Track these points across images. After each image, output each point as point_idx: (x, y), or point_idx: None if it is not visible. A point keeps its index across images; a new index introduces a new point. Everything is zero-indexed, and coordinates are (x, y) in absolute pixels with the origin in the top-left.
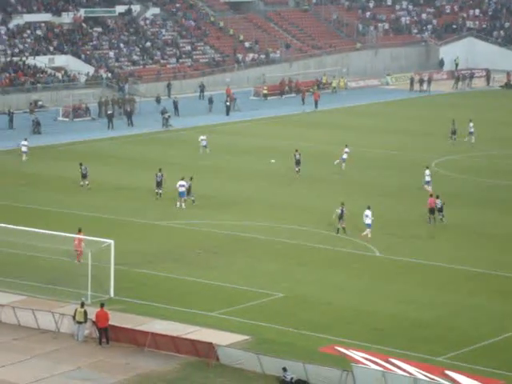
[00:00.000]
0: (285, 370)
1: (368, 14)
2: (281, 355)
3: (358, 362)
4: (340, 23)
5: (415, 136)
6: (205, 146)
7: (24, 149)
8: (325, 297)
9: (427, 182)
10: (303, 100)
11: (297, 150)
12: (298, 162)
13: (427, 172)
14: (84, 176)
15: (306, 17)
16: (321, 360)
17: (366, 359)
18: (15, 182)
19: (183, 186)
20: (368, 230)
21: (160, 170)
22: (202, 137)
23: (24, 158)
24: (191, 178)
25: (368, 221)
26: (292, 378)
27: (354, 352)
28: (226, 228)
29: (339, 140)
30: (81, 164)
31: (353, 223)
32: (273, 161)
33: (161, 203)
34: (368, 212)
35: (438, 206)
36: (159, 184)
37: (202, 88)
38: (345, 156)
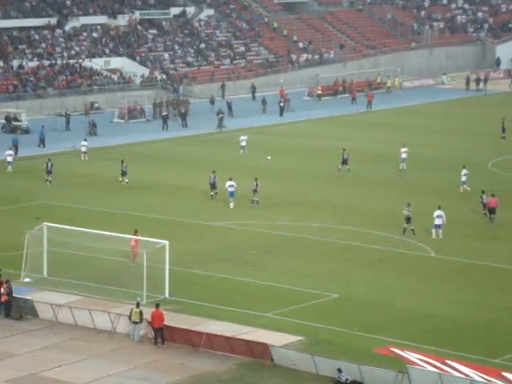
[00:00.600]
0: (340, 370)
1: (423, 13)
2: (335, 356)
3: (413, 363)
4: (394, 22)
5: (471, 136)
6: (243, 147)
7: (84, 149)
8: (379, 298)
9: (463, 182)
10: (353, 100)
11: (344, 150)
12: (345, 161)
13: (464, 172)
14: (123, 173)
15: (360, 16)
16: (375, 361)
17: (422, 361)
18: (72, 182)
19: (232, 186)
20: (434, 230)
21: (213, 171)
22: (242, 137)
23: (83, 157)
24: (256, 179)
25: (439, 221)
26: (347, 379)
27: (410, 353)
28: (280, 228)
29: (393, 140)
30: (122, 161)
31: (399, 223)
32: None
33: (215, 204)
34: (440, 212)
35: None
36: (213, 186)
37: (254, 89)
38: (404, 156)
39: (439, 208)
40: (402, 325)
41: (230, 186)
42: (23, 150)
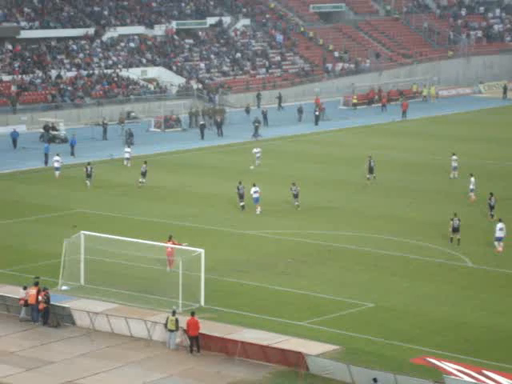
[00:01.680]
0: (375, 380)
1: (460, 21)
2: (371, 366)
3: (450, 373)
4: (431, 31)
5: (508, 145)
6: (258, 158)
7: (127, 155)
8: (415, 307)
9: (471, 190)
10: (383, 108)
11: (370, 157)
12: (371, 170)
13: (472, 180)
14: (143, 174)
15: (396, 25)
16: (411, 371)
17: (459, 371)
18: (109, 191)
19: (256, 192)
20: (497, 243)
21: (240, 182)
22: (255, 150)
23: (126, 163)
24: (293, 184)
25: (501, 234)
26: None
27: (446, 363)
28: (316, 237)
29: (429, 149)
30: (145, 162)
31: (440, 231)
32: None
33: (249, 212)
34: (502, 225)
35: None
36: (241, 196)
37: (280, 99)
38: (454, 164)
39: (500, 221)
40: (438, 334)
41: (254, 192)
42: (63, 159)
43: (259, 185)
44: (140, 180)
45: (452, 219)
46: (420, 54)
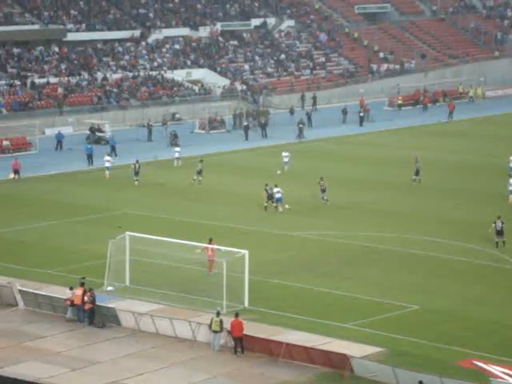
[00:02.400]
0: (421, 383)
1: (506, 22)
2: (416, 368)
3: (497, 376)
4: (477, 32)
5: None
6: (286, 163)
7: (177, 155)
8: (461, 309)
9: (510, 192)
10: (424, 108)
11: (417, 158)
12: (417, 172)
13: (510, 181)
14: (199, 172)
15: (442, 26)
16: (457, 374)
17: (506, 374)
18: (154, 192)
19: (279, 192)
20: None
21: (267, 184)
22: (284, 153)
23: (177, 163)
24: (321, 178)
25: None
26: None
27: (494, 367)
28: (360, 239)
29: (475, 150)
30: (201, 161)
31: (486, 233)
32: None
33: (293, 213)
34: None
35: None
36: (271, 196)
37: (315, 100)
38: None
39: None
40: (485, 337)
41: (277, 192)
42: (119, 159)
43: (302, 186)
44: (194, 177)
45: (495, 222)
46: (466, 54)
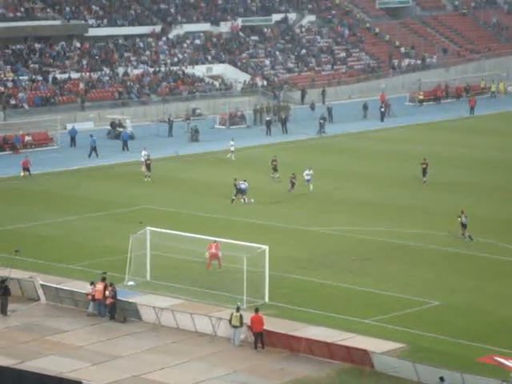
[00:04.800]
0: (442, 379)
1: None
2: (437, 364)
3: None
4: (499, 27)
5: None
6: (308, 181)
7: (232, 148)
8: (482, 305)
9: None
10: (437, 103)
11: (425, 159)
12: (424, 172)
13: None
14: (275, 169)
15: (464, 21)
16: (478, 370)
17: None
18: (175, 187)
19: (244, 183)
20: None
21: (235, 179)
22: (306, 171)
23: (230, 156)
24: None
25: None
26: None
27: None
28: (380, 234)
29: (496, 146)
30: (274, 160)
31: (508, 229)
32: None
33: (313, 209)
34: None
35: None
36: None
37: (324, 95)
38: None
39: None
40: (506, 333)
41: (242, 183)
42: (131, 154)
43: (323, 181)
44: (271, 175)
45: (460, 216)
46: (488, 49)
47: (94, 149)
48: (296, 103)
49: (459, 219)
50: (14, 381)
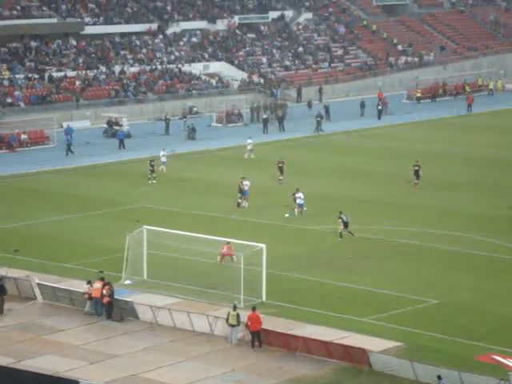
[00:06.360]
0: (440, 378)
1: None
2: (435, 363)
3: None
4: (497, 24)
5: None
6: (301, 206)
7: (249, 147)
8: (480, 304)
9: None
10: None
11: (417, 161)
12: (416, 174)
13: None
14: (280, 170)
15: (461, 18)
16: (476, 368)
17: None
18: (172, 186)
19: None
20: None
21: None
22: (297, 194)
23: (248, 155)
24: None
25: None
26: None
27: None
28: (377, 233)
29: (494, 143)
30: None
31: (505, 227)
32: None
33: (311, 207)
34: None
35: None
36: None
37: (321, 93)
38: None
39: None
40: (504, 332)
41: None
42: (128, 153)
43: (320, 179)
44: (280, 177)
45: (340, 216)
46: (486, 46)
47: (69, 146)
48: (293, 101)
49: (339, 220)
50: (11, 380)
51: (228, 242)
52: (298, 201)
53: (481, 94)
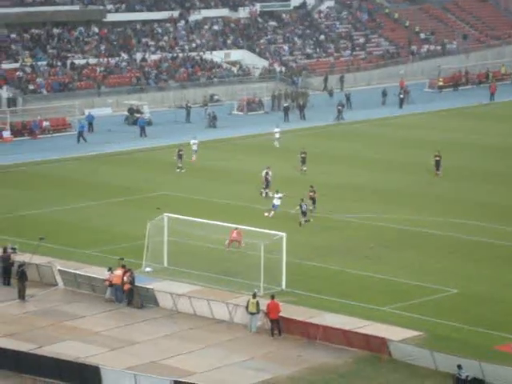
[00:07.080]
0: (460, 367)
1: None
2: (455, 352)
3: None
4: None
5: None
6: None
7: (277, 135)
8: (500, 294)
9: None
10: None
11: (438, 152)
12: (437, 165)
13: None
14: (303, 161)
15: (484, 6)
16: (496, 358)
17: None
18: (194, 174)
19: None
20: None
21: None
22: (277, 195)
23: (276, 144)
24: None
25: None
26: (467, 376)
27: None
28: (398, 222)
29: None
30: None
31: None
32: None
33: (331, 197)
34: None
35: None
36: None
37: (342, 81)
38: None
39: None
40: None
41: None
42: (149, 140)
43: (341, 168)
44: (303, 168)
45: (300, 204)
46: (509, 35)
47: (81, 134)
48: (315, 89)
49: (298, 208)
50: (32, 366)
51: (236, 228)
52: (274, 201)
53: (504, 83)
